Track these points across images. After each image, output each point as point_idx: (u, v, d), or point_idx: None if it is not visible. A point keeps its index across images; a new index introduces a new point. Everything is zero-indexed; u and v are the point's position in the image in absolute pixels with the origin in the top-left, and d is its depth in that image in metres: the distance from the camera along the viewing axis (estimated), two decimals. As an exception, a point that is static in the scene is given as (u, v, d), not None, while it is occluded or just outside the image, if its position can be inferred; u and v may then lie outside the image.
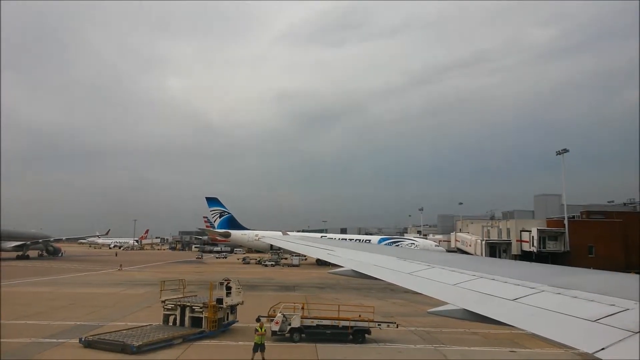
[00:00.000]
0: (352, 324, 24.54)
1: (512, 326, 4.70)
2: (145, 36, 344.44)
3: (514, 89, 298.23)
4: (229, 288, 25.82)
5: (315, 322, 24.60)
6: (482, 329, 26.51)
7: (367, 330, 24.74)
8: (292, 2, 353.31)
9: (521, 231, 79.07)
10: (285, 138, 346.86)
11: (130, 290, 43.21)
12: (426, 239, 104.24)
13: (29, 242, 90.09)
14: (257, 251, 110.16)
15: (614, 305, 4.32)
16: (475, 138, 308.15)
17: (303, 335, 24.11)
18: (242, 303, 27.00)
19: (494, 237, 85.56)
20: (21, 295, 38.22)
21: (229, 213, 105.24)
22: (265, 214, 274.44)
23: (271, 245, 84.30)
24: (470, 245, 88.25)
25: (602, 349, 3.49)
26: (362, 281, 10.38)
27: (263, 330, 20.78)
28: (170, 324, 25.33)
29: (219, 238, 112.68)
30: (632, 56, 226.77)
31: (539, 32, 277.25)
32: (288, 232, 68.89)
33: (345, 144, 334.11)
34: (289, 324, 24.08)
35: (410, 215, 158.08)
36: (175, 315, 25.41)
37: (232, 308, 26.33)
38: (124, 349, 20.69)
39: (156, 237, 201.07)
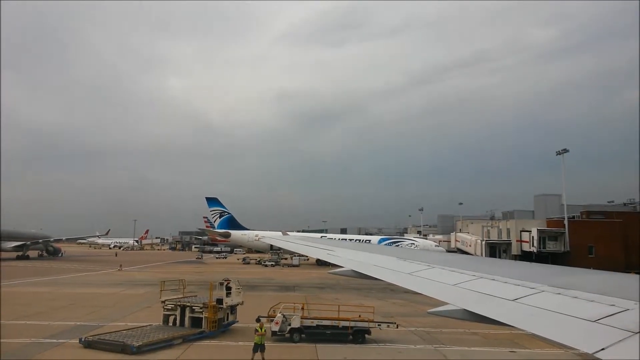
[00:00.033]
0: (352, 324, 24.53)
1: (512, 326, 4.70)
2: (145, 36, 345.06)
3: (514, 89, 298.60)
4: (229, 288, 25.83)
5: (315, 323, 24.60)
6: (482, 329, 26.52)
7: (367, 331, 24.74)
8: (292, 2, 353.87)
9: (521, 231, 79.10)
10: (285, 138, 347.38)
11: (130, 291, 43.21)
12: (426, 239, 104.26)
13: (28, 243, 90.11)
14: (257, 251, 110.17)
15: (614, 305, 4.32)
16: (475, 138, 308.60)
17: (303, 335, 24.11)
18: (242, 303, 27.00)
19: (494, 237, 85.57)
20: (21, 295, 38.22)
21: (229, 213, 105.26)
22: (265, 214, 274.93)
23: (271, 246, 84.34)
24: (470, 246, 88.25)
25: (602, 349, 3.49)
26: (362, 281, 10.39)
27: (263, 330, 20.78)
28: (170, 324, 25.33)
29: (219, 238, 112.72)
30: (632, 56, 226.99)
31: (539, 32, 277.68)
32: (288, 233, 68.85)
33: (345, 144, 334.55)
34: (289, 324, 24.08)
35: (410, 216, 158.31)
36: (175, 315, 25.41)
37: (232, 308, 26.33)
38: (124, 349, 20.69)
39: (156, 237, 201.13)
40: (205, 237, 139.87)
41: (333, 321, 24.83)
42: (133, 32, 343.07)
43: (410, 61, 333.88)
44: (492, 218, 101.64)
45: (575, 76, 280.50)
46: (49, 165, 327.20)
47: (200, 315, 24.87)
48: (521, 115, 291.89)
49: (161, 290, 27.75)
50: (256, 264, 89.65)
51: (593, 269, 8.66)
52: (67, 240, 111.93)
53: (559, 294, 5.12)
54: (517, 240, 79.34)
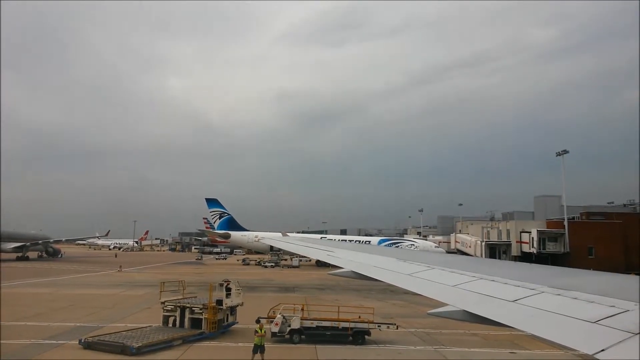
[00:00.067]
0: (352, 325, 24.52)
1: (512, 327, 4.70)
2: (145, 36, 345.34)
3: (514, 89, 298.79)
4: (228, 289, 25.80)
5: (315, 324, 24.58)
6: (482, 330, 26.53)
7: (367, 332, 24.73)
8: (292, 2, 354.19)
9: (521, 232, 79.12)
10: (285, 138, 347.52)
11: (129, 292, 43.18)
12: (426, 240, 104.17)
13: (28, 244, 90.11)
14: (257, 252, 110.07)
15: (614, 306, 4.31)
16: (475, 138, 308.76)
17: (303, 336, 24.11)
18: (241, 304, 26.99)
19: (493, 238, 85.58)
20: (21, 296, 38.19)
21: (228, 214, 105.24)
22: (265, 214, 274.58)
23: (271, 247, 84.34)
24: (470, 247, 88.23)
25: (602, 350, 3.49)
26: (362, 282, 10.39)
27: (263, 331, 20.77)
28: (170, 325, 25.31)
29: (218, 239, 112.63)
30: (632, 56, 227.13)
31: (539, 32, 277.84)
32: (288, 234, 68.85)
33: (345, 144, 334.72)
34: (289, 325, 24.06)
35: (410, 217, 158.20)
36: (175, 316, 25.39)
37: (232, 309, 26.31)
38: (123, 350, 20.68)
39: (156, 238, 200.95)
40: (205, 238, 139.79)
41: (333, 322, 24.80)
42: (133, 32, 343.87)
43: (410, 61, 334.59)
44: (492, 219, 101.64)
45: (575, 76, 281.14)
46: (49, 165, 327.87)
47: (200, 317, 24.84)
48: (521, 115, 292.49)
49: (161, 292, 27.71)
50: (256, 265, 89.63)
51: (593, 270, 8.66)
52: (67, 241, 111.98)
53: (559, 295, 5.12)
54: (517, 241, 79.35)
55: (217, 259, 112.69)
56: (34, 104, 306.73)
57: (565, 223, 75.01)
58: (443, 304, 5.77)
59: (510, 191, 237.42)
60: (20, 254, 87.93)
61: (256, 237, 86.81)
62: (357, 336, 24.33)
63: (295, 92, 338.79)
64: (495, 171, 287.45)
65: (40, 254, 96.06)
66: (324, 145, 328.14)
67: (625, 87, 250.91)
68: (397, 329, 25.59)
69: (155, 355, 20.94)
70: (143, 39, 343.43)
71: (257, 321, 22.16)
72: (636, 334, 3.59)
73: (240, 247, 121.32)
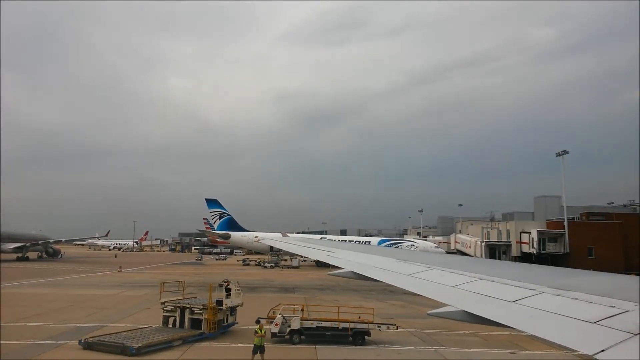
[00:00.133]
0: (352, 325, 24.52)
1: (512, 328, 4.70)
2: (146, 36, 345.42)
3: (514, 89, 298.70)
4: (228, 290, 25.79)
5: (315, 324, 24.57)
6: (482, 330, 26.53)
7: (367, 332, 24.72)
8: (292, 2, 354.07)
9: (521, 233, 79.14)
10: (285, 138, 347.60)
11: (129, 292, 43.17)
12: (426, 240, 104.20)
13: (28, 244, 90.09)
14: (257, 253, 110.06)
15: (614, 307, 4.32)
16: (475, 138, 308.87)
17: (303, 337, 24.10)
18: (241, 305, 26.98)
19: (493, 238, 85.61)
20: (21, 296, 38.18)
21: (228, 215, 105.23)
22: (265, 214, 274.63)
23: (271, 247, 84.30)
24: (470, 247, 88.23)
25: (602, 350, 3.49)
26: (361, 283, 10.38)
27: (263, 332, 20.77)
28: (170, 325, 25.31)
29: (218, 240, 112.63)
30: (632, 56, 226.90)
31: (539, 32, 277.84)
32: (288, 234, 68.86)
33: (346, 144, 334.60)
34: (289, 326, 24.06)
35: (410, 217, 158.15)
36: (175, 317, 25.39)
37: (232, 310, 26.30)
38: (123, 350, 20.68)
39: (156, 239, 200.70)
40: (205, 239, 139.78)
41: (333, 323, 24.80)
42: (133, 32, 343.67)
43: (411, 61, 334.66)
44: (492, 219, 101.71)
45: (575, 76, 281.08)
46: (49, 165, 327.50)
47: (200, 317, 24.84)
48: (521, 115, 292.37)
49: (161, 292, 27.71)
50: (256, 265, 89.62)
51: (593, 270, 8.66)
52: (67, 241, 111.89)
53: (558, 295, 5.12)
54: (517, 242, 79.37)
55: (217, 259, 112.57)
56: (34, 104, 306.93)
57: (565, 223, 75.02)
58: (443, 305, 5.77)
59: (510, 191, 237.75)
60: (20, 255, 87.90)
61: (256, 237, 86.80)
62: (357, 337, 24.32)
63: (296, 92, 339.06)
64: (495, 171, 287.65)
65: (40, 254, 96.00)
66: (324, 145, 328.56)
67: (625, 87, 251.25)
68: (397, 329, 25.58)
69: (155, 356, 20.94)
70: (143, 39, 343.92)
71: (257, 322, 22.15)
72: (636, 334, 3.59)
73: (240, 248, 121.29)
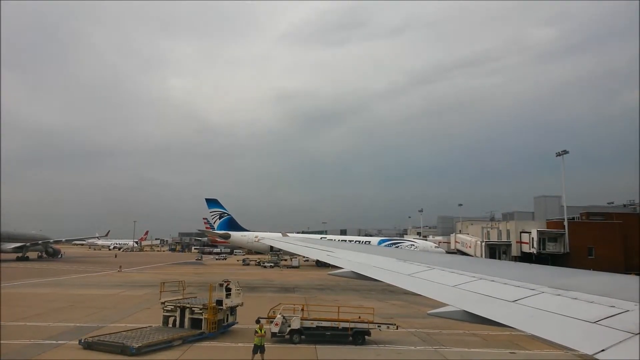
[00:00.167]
0: (352, 325, 24.52)
1: (512, 328, 4.70)
2: (146, 36, 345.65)
3: (514, 89, 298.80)
4: (228, 289, 25.80)
5: (315, 324, 24.58)
6: (482, 330, 26.53)
7: (367, 332, 24.72)
8: (292, 2, 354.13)
9: (521, 232, 79.15)
10: (285, 138, 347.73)
11: (129, 292, 43.17)
12: (426, 240, 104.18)
13: (28, 244, 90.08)
14: (257, 253, 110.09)
15: (614, 306, 4.31)
16: (475, 138, 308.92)
17: (303, 336, 24.10)
18: (241, 304, 26.98)
19: (493, 238, 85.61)
20: (21, 296, 38.18)
21: (228, 214, 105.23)
22: (265, 214, 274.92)
23: (271, 247, 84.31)
24: (470, 247, 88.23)
25: (602, 350, 3.49)
26: (361, 283, 10.39)
27: (263, 331, 20.77)
28: (170, 325, 25.31)
29: (218, 239, 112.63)
30: (632, 56, 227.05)
31: (539, 32, 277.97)
32: (288, 234, 68.85)
33: (346, 144, 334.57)
34: (289, 326, 24.06)
35: (410, 217, 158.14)
36: (175, 316, 25.39)
37: (232, 309, 26.31)
38: (123, 350, 20.68)
39: (156, 239, 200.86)
40: (205, 239, 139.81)
41: (333, 322, 24.80)
42: (133, 32, 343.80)
43: (411, 61, 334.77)
44: (492, 219, 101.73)
45: (575, 76, 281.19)
46: (49, 165, 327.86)
47: (200, 317, 24.84)
48: (521, 115, 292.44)
49: (161, 292, 27.72)
50: (256, 265, 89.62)
51: (593, 270, 8.66)
52: (67, 241, 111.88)
53: (558, 295, 5.12)
54: (517, 242, 79.38)
55: (217, 259, 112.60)
56: (34, 104, 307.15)
57: (565, 223, 75.04)
58: (443, 304, 5.77)
59: (510, 191, 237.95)
60: (20, 254, 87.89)
61: (256, 237, 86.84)
62: (357, 336, 24.33)
63: (296, 92, 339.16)
64: (495, 171, 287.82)
65: (40, 254, 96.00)
66: (324, 145, 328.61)
67: (625, 87, 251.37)
68: (397, 329, 25.58)
69: (155, 356, 20.94)
70: (143, 39, 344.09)
71: (257, 321, 22.15)
72: (636, 334, 3.59)
73: (240, 248, 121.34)
